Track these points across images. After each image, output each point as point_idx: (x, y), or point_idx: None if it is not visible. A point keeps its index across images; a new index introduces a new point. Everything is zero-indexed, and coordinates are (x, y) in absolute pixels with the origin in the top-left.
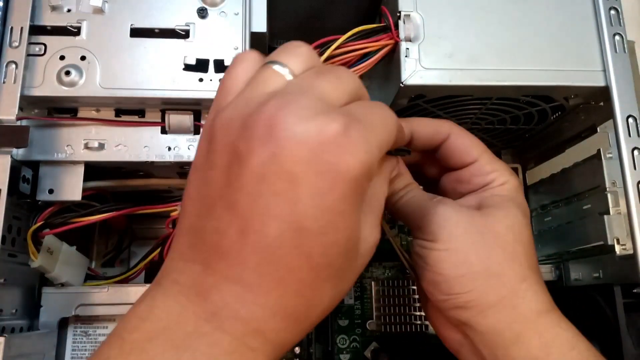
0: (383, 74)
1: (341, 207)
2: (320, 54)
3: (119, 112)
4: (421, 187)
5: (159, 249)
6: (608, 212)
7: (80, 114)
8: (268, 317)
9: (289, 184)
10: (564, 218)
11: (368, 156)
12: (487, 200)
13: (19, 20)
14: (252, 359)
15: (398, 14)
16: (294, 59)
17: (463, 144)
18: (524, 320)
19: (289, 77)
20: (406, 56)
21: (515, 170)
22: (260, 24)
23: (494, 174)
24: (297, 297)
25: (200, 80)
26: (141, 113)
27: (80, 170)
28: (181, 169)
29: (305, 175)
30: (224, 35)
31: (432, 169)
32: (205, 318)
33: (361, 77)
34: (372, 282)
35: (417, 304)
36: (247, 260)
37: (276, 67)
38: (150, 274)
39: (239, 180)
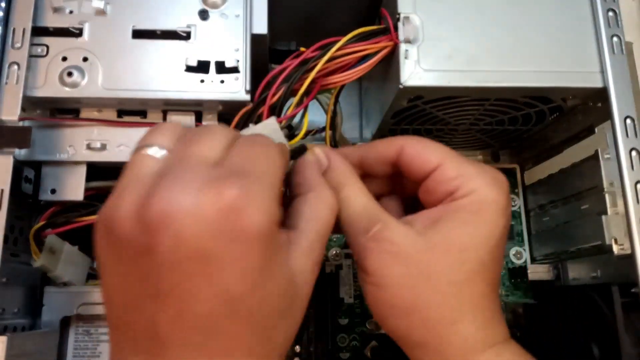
0: (382, 75)
1: (261, 263)
2: (321, 56)
3: (120, 113)
4: (361, 187)
5: None
6: (606, 212)
7: (83, 115)
8: None
9: (203, 262)
10: (562, 218)
11: (269, 205)
12: (445, 215)
13: (22, 21)
14: None
15: (397, 16)
16: (158, 136)
17: (418, 152)
18: (461, 356)
19: (161, 152)
20: (405, 58)
21: (513, 170)
22: (261, 26)
23: (457, 181)
24: (250, 354)
25: (202, 81)
26: (143, 114)
27: (82, 171)
28: None
29: (216, 248)
30: (225, 37)
31: (408, 190)
32: None
33: (360, 78)
34: None
35: None
36: (190, 341)
37: (144, 150)
38: None
39: (154, 272)
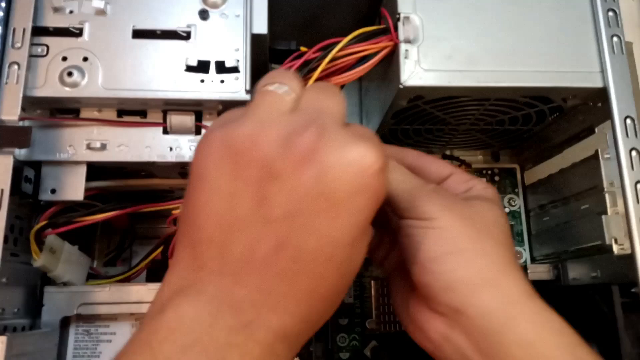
0: (382, 75)
1: (369, 219)
2: (323, 57)
3: (120, 113)
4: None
5: (160, 248)
6: (606, 212)
7: (83, 115)
8: (296, 324)
9: (330, 204)
10: (562, 218)
11: (386, 168)
12: (473, 197)
13: (22, 21)
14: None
15: (397, 16)
16: (289, 80)
17: (436, 161)
18: (514, 301)
19: (292, 95)
20: (405, 58)
21: (513, 170)
22: (261, 26)
23: (473, 181)
24: (323, 303)
25: (202, 81)
26: (143, 114)
27: (82, 171)
28: (182, 169)
29: (346, 197)
30: (225, 37)
31: None
32: (237, 329)
33: (360, 78)
34: (372, 281)
35: None
36: (282, 273)
37: (277, 88)
38: (152, 273)
39: (276, 197)
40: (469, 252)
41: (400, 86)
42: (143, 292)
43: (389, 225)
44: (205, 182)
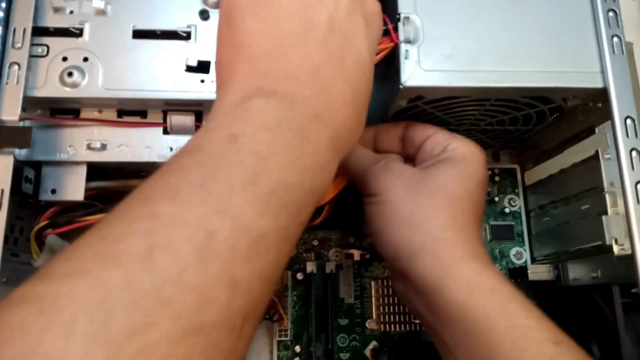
0: (382, 75)
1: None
2: None
3: (121, 113)
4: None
5: None
6: (606, 213)
7: (83, 115)
8: (342, 127)
9: (363, 23)
10: (562, 218)
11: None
12: (436, 160)
13: (22, 21)
14: (334, 154)
15: (397, 16)
16: None
17: (419, 124)
18: (444, 267)
19: None
20: (405, 58)
21: (513, 170)
22: None
23: (447, 142)
24: (357, 113)
25: (202, 81)
26: (143, 114)
27: (82, 171)
28: None
29: (373, 19)
30: None
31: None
32: (311, 119)
33: None
34: (372, 282)
35: None
36: (333, 80)
37: None
38: None
39: (321, 16)
40: (406, 223)
41: (401, 86)
42: None
43: None
44: (257, 10)
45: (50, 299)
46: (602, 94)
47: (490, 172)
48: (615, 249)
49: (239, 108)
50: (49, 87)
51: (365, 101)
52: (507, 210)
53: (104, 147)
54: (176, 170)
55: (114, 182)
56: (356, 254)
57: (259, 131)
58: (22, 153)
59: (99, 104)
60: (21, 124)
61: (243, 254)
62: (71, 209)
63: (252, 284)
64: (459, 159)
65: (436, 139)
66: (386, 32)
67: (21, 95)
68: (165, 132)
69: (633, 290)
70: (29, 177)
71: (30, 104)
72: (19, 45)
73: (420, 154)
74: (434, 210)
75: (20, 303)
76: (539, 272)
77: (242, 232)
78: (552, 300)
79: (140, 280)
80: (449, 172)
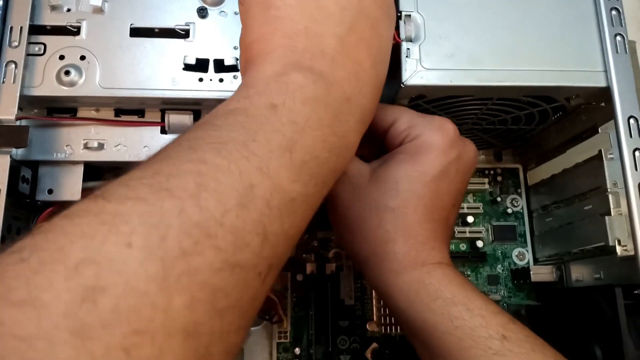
0: None
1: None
2: None
3: (118, 112)
4: None
5: None
6: (609, 213)
7: (80, 114)
8: (370, 103)
9: (384, 18)
10: (565, 219)
11: None
12: (391, 156)
13: (19, 19)
14: (357, 137)
15: (399, 14)
16: None
17: (379, 112)
18: (387, 277)
19: None
20: (407, 56)
21: (516, 170)
22: None
23: (407, 131)
24: (378, 89)
25: (200, 80)
26: (141, 113)
27: (79, 170)
28: None
29: (391, 15)
30: (224, 35)
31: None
32: (345, 99)
33: None
34: (368, 282)
35: None
36: (363, 62)
37: None
38: None
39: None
40: (354, 234)
41: (402, 85)
42: None
43: None
44: None
45: (111, 214)
46: (605, 93)
47: (492, 172)
48: (618, 249)
49: (279, 80)
50: (46, 86)
51: (382, 88)
52: (509, 210)
53: (101, 146)
54: (220, 127)
55: None
56: None
57: (297, 105)
58: (18, 153)
59: (96, 102)
60: (18, 123)
61: (275, 211)
62: None
63: (278, 239)
64: (415, 151)
65: (397, 128)
66: None
67: (18, 94)
68: (163, 131)
69: (636, 292)
70: (25, 176)
71: (27, 103)
72: (15, 43)
73: (386, 143)
74: (379, 219)
75: (80, 215)
76: (541, 273)
77: (277, 191)
78: (554, 301)
79: (190, 213)
80: (400, 171)
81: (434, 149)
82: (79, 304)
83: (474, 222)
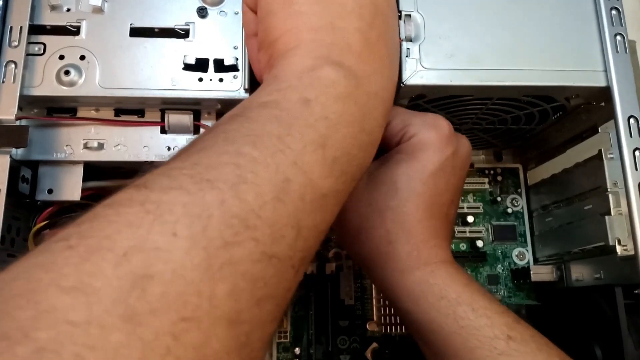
0: None
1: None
2: None
3: (118, 112)
4: None
5: None
6: (609, 213)
7: (80, 114)
8: (388, 89)
9: (393, 5)
10: (565, 218)
11: None
12: (388, 156)
13: (19, 19)
14: (381, 133)
15: (398, 14)
16: None
17: None
18: (391, 278)
19: None
20: (407, 56)
21: (516, 170)
22: None
23: (403, 131)
24: (393, 77)
25: (200, 80)
26: (141, 113)
27: (79, 170)
28: None
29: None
30: (224, 35)
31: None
32: (373, 95)
33: None
34: (373, 283)
35: None
36: (384, 58)
37: None
38: None
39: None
40: (355, 237)
41: (402, 85)
42: None
43: None
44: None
45: (155, 203)
46: (605, 93)
47: (492, 172)
48: (619, 249)
49: (310, 74)
50: (46, 86)
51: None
52: (509, 210)
53: (101, 146)
54: (254, 119)
55: (111, 182)
56: None
57: (330, 101)
58: (18, 152)
59: (96, 102)
60: (18, 123)
61: (308, 206)
62: (68, 209)
63: (310, 233)
64: (411, 150)
65: (392, 129)
66: None
67: (18, 94)
68: (163, 131)
69: (636, 292)
70: (25, 176)
71: (27, 102)
72: (15, 43)
73: (382, 144)
74: (380, 219)
75: (124, 204)
76: (541, 273)
77: (310, 186)
78: (554, 301)
79: (230, 204)
80: (398, 171)
81: (430, 146)
82: (128, 291)
83: (474, 221)
